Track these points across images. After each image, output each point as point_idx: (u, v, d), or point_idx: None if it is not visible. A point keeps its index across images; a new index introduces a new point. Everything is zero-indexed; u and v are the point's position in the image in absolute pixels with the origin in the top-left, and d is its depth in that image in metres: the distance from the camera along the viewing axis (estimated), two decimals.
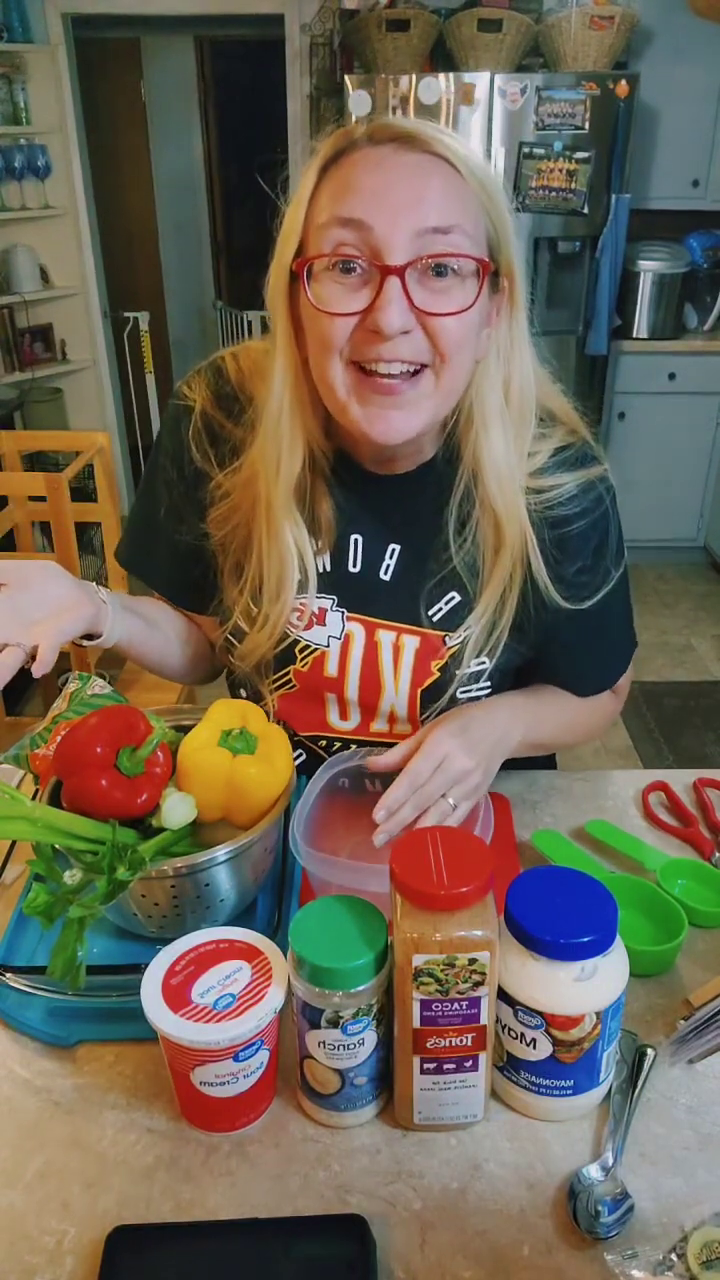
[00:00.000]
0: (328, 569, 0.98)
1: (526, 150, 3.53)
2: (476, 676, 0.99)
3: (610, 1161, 0.69)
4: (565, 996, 0.68)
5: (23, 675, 0.84)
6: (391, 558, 0.97)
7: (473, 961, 0.65)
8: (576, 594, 0.97)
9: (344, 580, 0.98)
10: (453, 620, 0.98)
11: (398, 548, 0.97)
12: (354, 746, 1.01)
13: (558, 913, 0.69)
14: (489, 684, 1.01)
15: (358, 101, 3.48)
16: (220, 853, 0.78)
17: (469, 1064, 0.69)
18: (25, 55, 4.08)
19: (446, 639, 0.98)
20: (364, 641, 0.99)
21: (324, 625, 0.99)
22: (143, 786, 0.80)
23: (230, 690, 1.14)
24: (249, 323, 4.57)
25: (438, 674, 0.99)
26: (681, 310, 4.08)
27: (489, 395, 0.89)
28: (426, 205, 0.78)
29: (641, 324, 3.97)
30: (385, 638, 0.98)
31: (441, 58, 3.66)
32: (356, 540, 0.97)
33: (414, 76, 3.46)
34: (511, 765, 1.21)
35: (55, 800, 0.82)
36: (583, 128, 3.50)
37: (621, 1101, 0.73)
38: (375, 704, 1.02)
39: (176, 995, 0.68)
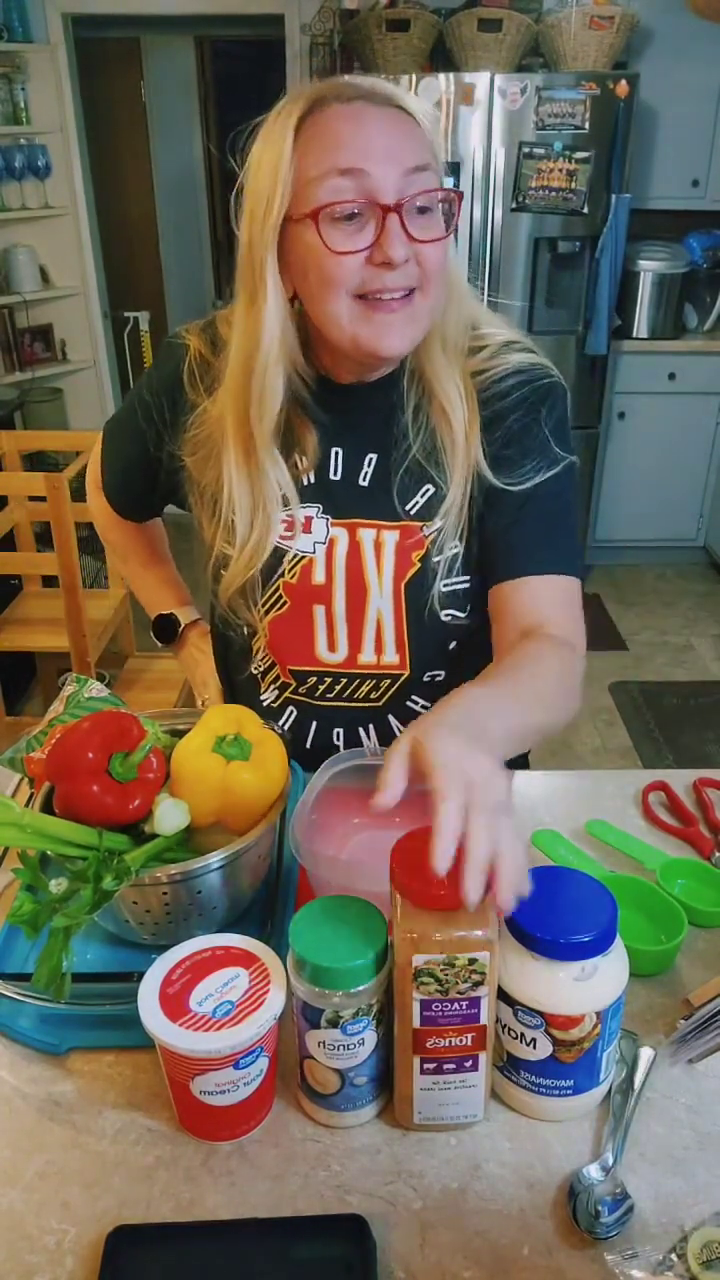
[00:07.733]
0: (312, 481, 1.06)
1: (526, 150, 3.53)
2: (452, 565, 1.05)
3: (610, 1161, 0.69)
4: (565, 996, 0.68)
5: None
6: (369, 465, 1.06)
7: (472, 961, 0.65)
8: (511, 469, 1.01)
9: (327, 488, 1.06)
10: (429, 511, 1.05)
11: (374, 456, 1.06)
12: (342, 688, 1.10)
13: (557, 912, 0.69)
14: (465, 576, 1.05)
15: None
16: (214, 859, 0.78)
17: (469, 1064, 0.69)
18: (25, 55, 4.07)
19: (424, 528, 1.05)
20: (347, 544, 1.06)
21: (310, 533, 1.07)
22: (135, 792, 0.79)
23: (220, 646, 1.22)
24: None
25: (418, 564, 1.05)
26: (681, 310, 4.07)
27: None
28: (405, 150, 0.90)
29: (641, 324, 3.96)
30: (366, 535, 1.06)
31: (441, 58, 3.65)
32: (337, 453, 1.06)
33: (414, 76, 3.45)
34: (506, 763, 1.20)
35: (49, 806, 0.82)
36: (582, 128, 3.50)
37: (621, 1101, 0.73)
38: (362, 612, 1.07)
39: (174, 1004, 0.68)
